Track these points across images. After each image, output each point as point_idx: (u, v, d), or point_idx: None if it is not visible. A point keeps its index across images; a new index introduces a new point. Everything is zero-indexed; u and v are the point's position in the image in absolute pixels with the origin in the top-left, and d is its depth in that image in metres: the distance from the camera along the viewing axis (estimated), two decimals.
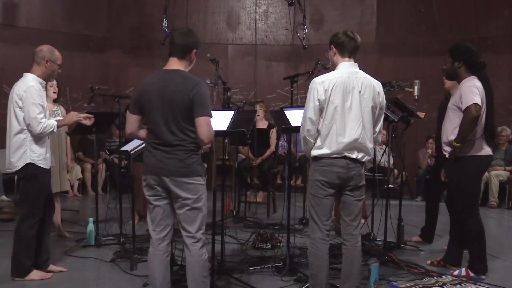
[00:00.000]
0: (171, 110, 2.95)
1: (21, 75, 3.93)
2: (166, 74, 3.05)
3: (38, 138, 3.84)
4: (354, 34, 3.30)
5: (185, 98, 2.92)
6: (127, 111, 6.07)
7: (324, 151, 3.21)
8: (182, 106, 2.93)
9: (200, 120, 2.94)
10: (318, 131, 3.23)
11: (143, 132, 3.15)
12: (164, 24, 8.09)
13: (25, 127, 3.80)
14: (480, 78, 4.03)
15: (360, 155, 3.23)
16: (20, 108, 3.78)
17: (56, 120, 4.01)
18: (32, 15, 8.51)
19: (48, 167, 3.96)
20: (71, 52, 8.18)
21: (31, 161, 3.81)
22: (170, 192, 3.02)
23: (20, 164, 3.82)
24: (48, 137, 3.99)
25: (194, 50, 3.09)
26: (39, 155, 3.85)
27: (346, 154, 3.19)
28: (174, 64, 3.07)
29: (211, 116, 2.99)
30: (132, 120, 3.12)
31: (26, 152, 3.81)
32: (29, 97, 3.75)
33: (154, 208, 3.10)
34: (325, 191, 3.24)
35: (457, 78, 4.16)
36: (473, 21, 8.75)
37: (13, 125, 3.84)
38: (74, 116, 4.09)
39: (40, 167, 3.85)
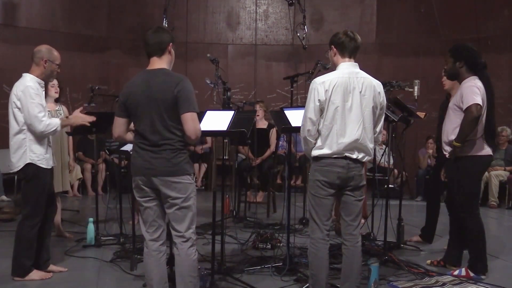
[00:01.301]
0: (156, 109, 2.94)
1: (21, 75, 3.93)
2: (149, 73, 3.04)
3: (38, 138, 3.84)
4: (355, 34, 3.30)
5: (169, 96, 2.91)
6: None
7: (325, 151, 3.21)
8: (167, 104, 2.92)
9: (186, 117, 2.92)
10: (318, 132, 3.23)
11: (130, 135, 3.15)
12: (164, 24, 8.09)
13: (24, 127, 3.80)
14: (481, 78, 4.03)
15: (360, 156, 3.23)
16: (19, 108, 3.78)
17: (60, 119, 4.01)
18: (32, 15, 8.51)
19: (49, 167, 3.96)
20: (71, 52, 8.18)
21: (31, 161, 3.81)
22: (159, 192, 3.01)
23: (20, 165, 3.82)
24: (49, 137, 3.99)
25: (170, 44, 3.09)
26: (39, 155, 3.84)
27: (346, 154, 3.19)
28: (156, 63, 3.06)
29: (196, 112, 2.97)
30: (119, 123, 3.11)
31: (25, 153, 3.81)
32: (27, 97, 3.74)
33: (145, 210, 3.10)
34: (325, 191, 3.24)
35: (458, 78, 4.16)
36: (473, 21, 8.75)
37: (13, 125, 3.84)
38: (80, 119, 4.09)
39: (40, 167, 3.85)
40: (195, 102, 2.97)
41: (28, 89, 3.76)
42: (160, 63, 3.06)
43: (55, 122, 3.85)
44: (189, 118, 2.92)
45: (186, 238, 3.03)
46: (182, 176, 2.99)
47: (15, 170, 3.86)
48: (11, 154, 3.85)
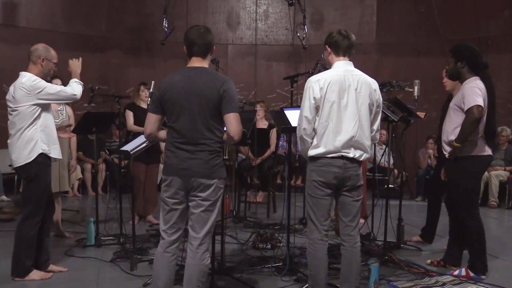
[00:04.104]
0: (199, 107, 2.92)
1: (19, 75, 3.93)
2: (191, 71, 3.01)
3: (47, 129, 3.89)
4: (348, 33, 3.30)
5: (215, 95, 2.90)
6: (127, 110, 6.01)
7: (321, 150, 3.20)
8: (211, 103, 2.91)
9: (230, 117, 2.93)
10: (314, 130, 3.23)
11: (162, 133, 3.11)
12: (164, 24, 8.09)
13: (36, 120, 3.82)
14: (482, 79, 4.03)
15: (357, 154, 3.22)
16: (26, 105, 3.78)
17: (72, 81, 4.10)
18: (32, 15, 8.51)
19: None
20: (71, 52, 8.11)
21: (42, 151, 3.84)
22: (189, 191, 2.97)
23: (32, 156, 3.82)
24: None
25: (214, 47, 3.11)
26: (49, 144, 3.89)
27: (343, 154, 3.19)
28: (197, 62, 3.05)
29: (239, 112, 2.99)
30: (152, 120, 3.05)
31: (37, 143, 3.83)
32: (40, 87, 3.79)
33: (170, 210, 3.04)
34: (322, 192, 3.24)
35: (460, 79, 4.16)
36: (473, 21, 8.75)
37: (21, 121, 3.82)
38: (77, 65, 4.16)
39: (43, 163, 3.86)
40: (238, 103, 3.00)
41: (34, 82, 3.80)
42: (202, 63, 3.05)
43: (75, 86, 4.01)
44: (233, 118, 2.93)
45: (201, 242, 2.99)
46: (216, 180, 2.97)
47: (26, 162, 3.82)
48: (20, 150, 3.82)
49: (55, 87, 3.92)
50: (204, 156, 2.94)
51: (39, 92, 3.79)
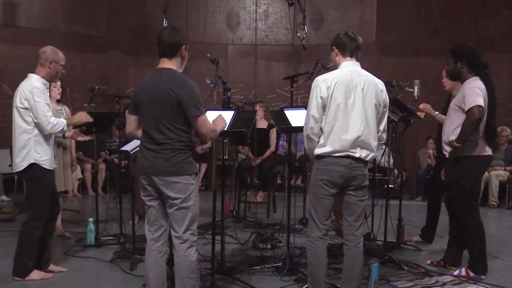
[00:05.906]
0: (158, 109, 2.96)
1: (21, 75, 3.94)
2: (155, 73, 3.06)
3: (43, 138, 3.85)
4: (355, 35, 3.33)
5: (172, 97, 2.92)
6: (127, 111, 6.04)
7: (327, 149, 3.21)
8: (168, 105, 2.94)
9: (195, 121, 2.97)
10: (321, 129, 3.23)
11: (140, 133, 3.17)
12: (164, 24, 8.08)
13: (30, 127, 3.81)
14: (482, 78, 4.03)
15: (364, 154, 3.23)
16: (25, 109, 3.79)
17: (65, 118, 4.07)
18: (32, 15, 8.51)
19: (51, 168, 3.96)
20: (71, 52, 8.14)
21: (34, 161, 3.82)
22: (161, 192, 3.02)
23: (24, 164, 3.82)
24: (54, 138, 4.00)
25: (183, 46, 3.07)
26: (42, 156, 3.85)
27: (349, 153, 3.19)
28: (165, 63, 3.07)
29: (203, 113, 2.98)
30: (130, 120, 3.17)
31: (30, 152, 3.81)
32: (35, 97, 3.76)
33: (148, 208, 3.12)
34: (326, 191, 3.25)
35: (460, 79, 4.16)
36: (473, 21, 8.75)
37: (18, 125, 3.84)
38: (84, 117, 4.14)
39: (43, 168, 3.85)
40: (200, 104, 2.97)
41: (35, 89, 3.78)
42: (169, 64, 3.06)
43: (61, 122, 3.89)
44: (199, 122, 2.96)
45: (183, 240, 3.02)
46: (181, 176, 2.99)
47: (18, 170, 3.86)
48: (15, 154, 3.85)
49: (45, 109, 3.77)
50: (166, 154, 2.97)
51: (32, 100, 3.76)
